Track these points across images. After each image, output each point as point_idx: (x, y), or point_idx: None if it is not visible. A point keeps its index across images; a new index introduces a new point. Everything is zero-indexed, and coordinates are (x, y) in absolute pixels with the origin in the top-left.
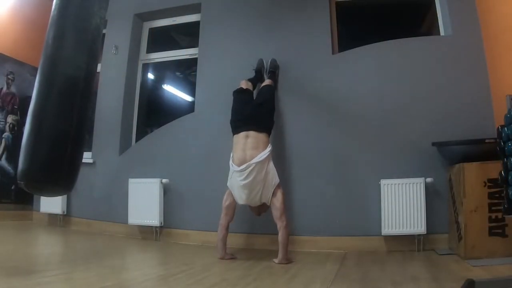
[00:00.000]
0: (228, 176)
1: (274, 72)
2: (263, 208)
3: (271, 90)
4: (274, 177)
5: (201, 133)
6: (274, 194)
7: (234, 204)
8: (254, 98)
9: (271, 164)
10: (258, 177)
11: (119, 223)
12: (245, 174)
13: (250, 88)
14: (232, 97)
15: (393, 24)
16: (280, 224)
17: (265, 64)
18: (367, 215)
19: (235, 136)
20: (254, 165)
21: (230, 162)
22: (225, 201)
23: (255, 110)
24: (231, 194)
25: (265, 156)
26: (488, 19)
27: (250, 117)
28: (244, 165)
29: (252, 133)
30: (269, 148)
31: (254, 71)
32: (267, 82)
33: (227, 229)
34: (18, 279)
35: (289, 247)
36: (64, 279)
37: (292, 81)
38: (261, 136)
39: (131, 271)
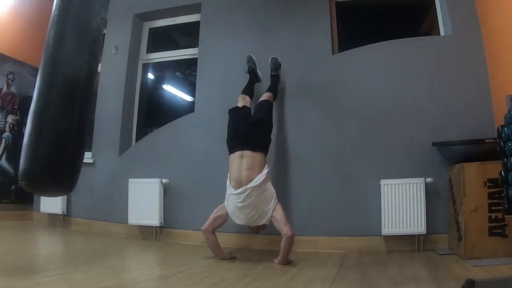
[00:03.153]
0: (227, 177)
1: (277, 75)
2: (261, 227)
3: (269, 106)
4: (272, 198)
5: (201, 133)
6: (273, 210)
7: (224, 217)
8: (252, 111)
9: (269, 184)
10: (256, 200)
11: (119, 223)
12: (242, 198)
13: (248, 104)
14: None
15: (393, 24)
16: (284, 233)
17: (254, 59)
18: (367, 215)
19: (230, 155)
20: (250, 189)
21: (227, 183)
22: (216, 212)
23: (250, 128)
24: (224, 209)
25: (261, 179)
26: (488, 19)
27: (245, 136)
28: (241, 189)
29: (247, 152)
30: (265, 170)
31: (247, 73)
32: (265, 97)
33: (213, 233)
34: (18, 279)
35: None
36: (64, 279)
37: (292, 81)
38: (257, 156)
39: (131, 271)
